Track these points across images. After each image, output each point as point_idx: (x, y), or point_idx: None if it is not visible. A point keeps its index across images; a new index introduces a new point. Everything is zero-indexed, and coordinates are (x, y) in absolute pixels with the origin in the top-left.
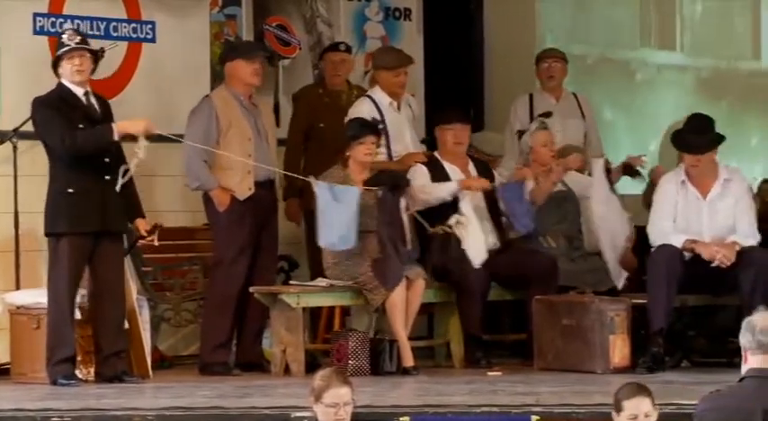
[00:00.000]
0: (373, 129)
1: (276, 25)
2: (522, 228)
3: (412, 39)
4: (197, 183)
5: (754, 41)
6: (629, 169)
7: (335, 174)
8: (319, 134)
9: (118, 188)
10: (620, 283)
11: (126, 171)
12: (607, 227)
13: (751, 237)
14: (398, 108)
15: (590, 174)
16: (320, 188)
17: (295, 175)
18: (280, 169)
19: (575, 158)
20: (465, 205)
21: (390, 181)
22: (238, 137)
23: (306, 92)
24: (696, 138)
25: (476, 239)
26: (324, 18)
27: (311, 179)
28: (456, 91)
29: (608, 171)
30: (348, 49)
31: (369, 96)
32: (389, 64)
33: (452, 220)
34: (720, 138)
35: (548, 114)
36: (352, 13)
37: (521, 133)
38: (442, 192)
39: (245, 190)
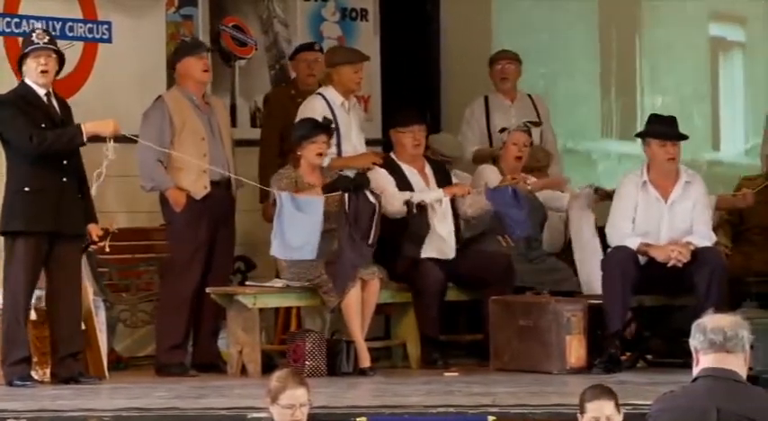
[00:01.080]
0: (325, 128)
1: (232, 26)
2: (521, 234)
3: (368, 39)
4: (152, 183)
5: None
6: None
7: (287, 174)
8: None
9: (93, 191)
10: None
11: (99, 174)
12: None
13: (706, 239)
14: (348, 110)
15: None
16: (283, 198)
17: (255, 184)
18: (235, 168)
19: (564, 181)
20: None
21: (351, 183)
22: (192, 137)
23: (277, 93)
24: (670, 128)
25: (442, 231)
26: (280, 18)
27: (273, 189)
28: (412, 92)
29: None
30: (321, 49)
31: (320, 94)
32: (351, 58)
33: (428, 201)
34: (686, 135)
35: (537, 123)
36: (309, 14)
37: (503, 130)
38: (428, 197)
39: (200, 189)
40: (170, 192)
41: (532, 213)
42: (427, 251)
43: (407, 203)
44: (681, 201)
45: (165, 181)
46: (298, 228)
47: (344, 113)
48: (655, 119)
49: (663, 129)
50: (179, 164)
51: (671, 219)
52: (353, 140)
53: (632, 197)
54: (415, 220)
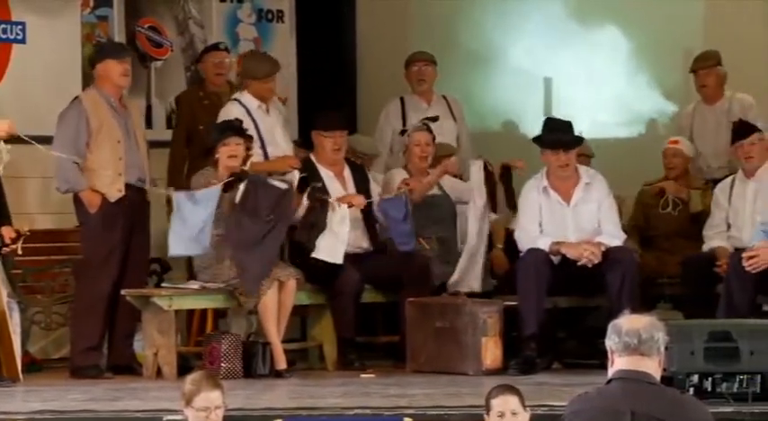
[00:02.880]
0: (237, 130)
1: (148, 27)
2: (404, 248)
3: (285, 41)
4: (66, 185)
5: None
6: (508, 171)
7: (207, 174)
8: (200, 136)
9: None
10: (476, 286)
11: None
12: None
13: (616, 238)
14: (267, 111)
15: (463, 178)
16: (178, 196)
17: (158, 190)
18: (150, 170)
19: (452, 162)
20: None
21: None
22: (108, 139)
23: (187, 94)
24: (562, 135)
25: (335, 238)
26: (196, 20)
27: (169, 190)
28: (329, 93)
29: (487, 173)
30: (227, 49)
31: (237, 100)
32: (258, 74)
33: (335, 202)
34: (581, 138)
35: (434, 119)
36: (225, 15)
37: (403, 132)
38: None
39: (114, 192)
40: (85, 194)
41: (445, 213)
42: (319, 251)
43: (311, 191)
44: (584, 203)
45: (79, 182)
46: (194, 221)
47: (264, 116)
48: (548, 124)
49: (554, 137)
50: (94, 166)
51: (576, 221)
52: (278, 141)
53: (535, 201)
54: (315, 213)
